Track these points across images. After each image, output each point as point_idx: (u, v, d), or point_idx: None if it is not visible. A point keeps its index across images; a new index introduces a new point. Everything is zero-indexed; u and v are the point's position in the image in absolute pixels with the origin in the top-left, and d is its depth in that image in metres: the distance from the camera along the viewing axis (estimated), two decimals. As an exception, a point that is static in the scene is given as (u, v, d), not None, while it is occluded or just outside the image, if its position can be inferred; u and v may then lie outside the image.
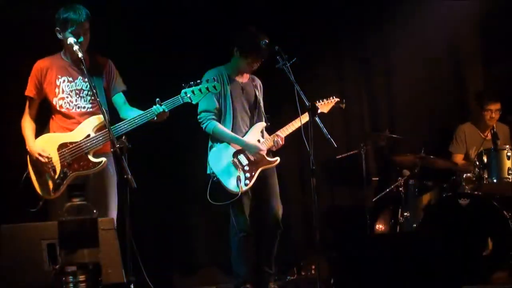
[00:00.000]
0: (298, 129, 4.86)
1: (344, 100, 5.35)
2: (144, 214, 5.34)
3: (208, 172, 4.91)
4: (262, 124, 5.08)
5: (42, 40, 4.72)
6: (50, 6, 4.46)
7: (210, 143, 4.98)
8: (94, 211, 3.52)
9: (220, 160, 4.90)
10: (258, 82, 5.19)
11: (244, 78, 5.10)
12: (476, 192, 5.49)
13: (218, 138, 4.93)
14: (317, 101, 5.15)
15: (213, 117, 4.92)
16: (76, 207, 3.46)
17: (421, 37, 6.45)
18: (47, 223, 3.71)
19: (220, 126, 4.90)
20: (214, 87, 4.36)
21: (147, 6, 5.67)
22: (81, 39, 4.23)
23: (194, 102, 4.33)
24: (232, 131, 4.93)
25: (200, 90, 4.31)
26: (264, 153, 4.94)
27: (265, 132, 5.10)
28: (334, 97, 5.33)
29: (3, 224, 3.63)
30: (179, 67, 5.52)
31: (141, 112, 4.28)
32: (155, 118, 4.26)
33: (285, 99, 4.91)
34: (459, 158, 6.18)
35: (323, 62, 6.36)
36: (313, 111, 4.38)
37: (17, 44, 5.06)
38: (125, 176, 3.80)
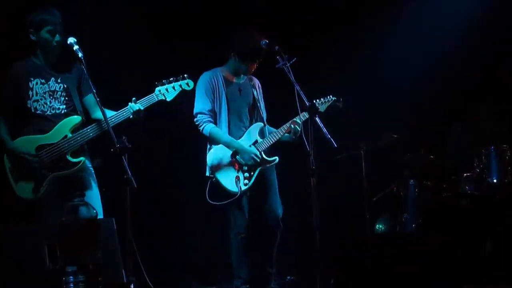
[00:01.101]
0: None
1: (341, 99, 5.35)
2: (144, 214, 5.34)
3: (207, 174, 4.91)
4: (259, 125, 5.07)
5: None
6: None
7: (208, 145, 4.98)
8: (95, 211, 3.52)
9: (218, 161, 4.90)
10: (257, 82, 5.18)
11: (241, 79, 5.10)
12: (476, 192, 5.49)
13: (215, 141, 4.93)
14: (314, 100, 5.15)
15: (209, 119, 4.92)
16: (76, 207, 3.46)
17: (421, 37, 6.45)
18: (47, 223, 3.71)
19: (216, 129, 4.90)
20: (187, 84, 4.48)
21: (143, 6, 5.68)
22: (58, 37, 4.27)
23: (168, 100, 4.43)
24: (228, 132, 4.93)
25: (173, 87, 4.43)
26: (258, 158, 4.92)
27: (266, 132, 5.09)
28: (331, 96, 5.33)
29: (4, 224, 3.63)
30: (175, 68, 5.51)
31: (114, 112, 4.32)
32: (131, 116, 4.31)
33: (284, 99, 4.91)
34: (455, 156, 6.16)
35: (322, 61, 6.36)
36: (313, 111, 4.38)
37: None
38: (125, 176, 3.81)
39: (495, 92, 6.19)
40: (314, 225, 4.25)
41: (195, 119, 4.95)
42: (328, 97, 5.32)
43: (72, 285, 3.31)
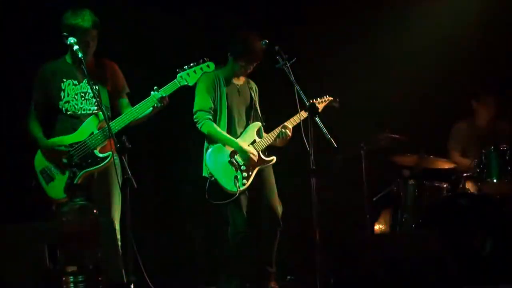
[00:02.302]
0: (298, 127, 4.86)
1: (338, 99, 5.34)
2: (144, 214, 5.34)
3: (204, 174, 4.92)
4: (257, 124, 5.08)
5: (47, 43, 4.73)
6: (57, 8, 4.47)
7: (206, 145, 4.99)
8: (95, 211, 3.52)
9: (216, 161, 4.90)
10: (254, 85, 5.22)
11: (240, 81, 5.12)
12: (476, 192, 5.49)
13: (213, 139, 4.94)
14: (311, 100, 5.14)
15: (209, 116, 4.93)
16: (76, 207, 3.46)
17: (421, 37, 6.45)
18: (47, 223, 3.72)
19: (215, 127, 4.91)
20: (208, 66, 4.49)
21: (146, 6, 5.68)
22: (87, 45, 4.30)
23: (191, 84, 4.45)
24: (227, 132, 4.94)
25: (194, 71, 4.44)
26: (255, 158, 4.93)
27: (262, 132, 5.10)
28: (327, 95, 5.33)
29: (4, 224, 3.63)
30: (174, 68, 5.52)
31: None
32: (157, 104, 4.33)
33: (284, 99, 4.92)
34: (456, 155, 6.17)
35: (322, 61, 6.36)
36: (313, 110, 4.38)
37: (22, 47, 5.06)
38: (125, 176, 3.81)
39: (498, 91, 6.19)
40: (314, 225, 4.25)
41: (194, 116, 4.96)
42: (325, 97, 5.32)
43: (72, 285, 3.31)
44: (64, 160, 4.24)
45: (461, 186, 5.71)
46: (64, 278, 3.32)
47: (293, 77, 4.45)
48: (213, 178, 4.86)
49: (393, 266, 4.50)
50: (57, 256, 3.42)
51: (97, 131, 4.31)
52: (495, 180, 5.50)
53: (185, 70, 4.42)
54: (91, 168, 4.28)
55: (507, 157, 5.46)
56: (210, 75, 4.94)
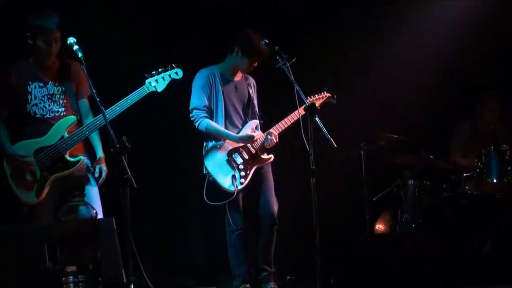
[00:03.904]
0: (298, 127, 4.86)
1: (335, 96, 5.34)
2: (144, 214, 5.33)
3: (203, 172, 4.93)
4: (255, 122, 5.09)
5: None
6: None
7: (204, 143, 5.00)
8: (94, 211, 3.52)
9: (214, 160, 4.92)
10: (252, 80, 5.21)
11: (237, 77, 5.13)
12: (476, 192, 5.49)
13: (212, 136, 4.94)
14: (308, 97, 5.15)
15: (205, 114, 4.94)
16: (76, 207, 3.46)
17: (421, 36, 6.44)
18: (47, 223, 3.71)
19: (213, 123, 4.93)
20: (176, 73, 4.46)
21: (142, 4, 5.68)
22: (52, 48, 4.27)
23: (159, 90, 4.39)
24: (225, 129, 4.95)
25: (163, 78, 4.41)
26: (259, 141, 4.96)
27: (259, 130, 5.10)
28: (325, 92, 5.33)
29: (3, 225, 3.63)
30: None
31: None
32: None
33: (283, 98, 4.93)
34: (458, 156, 6.17)
35: (322, 61, 6.35)
36: (312, 110, 4.38)
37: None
38: (125, 176, 3.81)
39: (499, 92, 6.18)
40: (314, 225, 4.25)
41: (190, 115, 4.98)
42: (323, 93, 5.32)
43: (72, 285, 3.31)
44: (28, 177, 4.21)
45: (461, 186, 5.71)
46: (64, 278, 3.31)
47: (292, 77, 4.46)
48: (211, 178, 4.87)
49: (394, 266, 4.50)
50: (57, 256, 3.42)
51: (67, 135, 4.28)
52: (495, 180, 5.49)
53: (153, 76, 4.38)
54: (62, 173, 4.27)
55: (507, 157, 5.46)
56: (205, 72, 4.97)
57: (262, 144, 5.03)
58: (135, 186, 3.82)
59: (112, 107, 4.26)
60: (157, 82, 4.38)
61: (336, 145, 4.33)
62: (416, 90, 6.51)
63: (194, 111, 4.96)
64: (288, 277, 5.87)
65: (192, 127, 4.98)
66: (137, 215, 4.19)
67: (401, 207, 5.96)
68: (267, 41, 4.74)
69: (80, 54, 4.14)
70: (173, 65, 4.48)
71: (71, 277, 3.31)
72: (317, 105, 5.19)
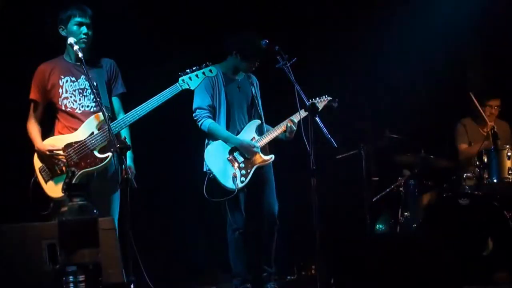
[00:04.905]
0: (298, 128, 4.88)
1: (337, 99, 5.33)
2: (144, 214, 5.34)
3: (204, 169, 4.93)
4: (256, 122, 5.09)
5: (44, 44, 4.75)
6: (54, 9, 4.49)
7: (206, 141, 5.00)
8: (95, 210, 3.52)
9: (216, 158, 4.92)
10: (255, 79, 5.21)
11: (240, 76, 5.13)
12: (476, 192, 5.49)
13: (214, 136, 4.95)
14: (310, 100, 5.14)
15: (208, 114, 4.95)
16: (76, 207, 3.46)
17: (421, 36, 6.45)
18: (47, 223, 3.71)
19: (215, 124, 4.93)
20: (210, 70, 4.46)
21: (145, 5, 5.69)
22: (85, 30, 4.32)
23: (192, 88, 4.42)
24: (227, 129, 4.96)
25: (197, 75, 4.42)
26: (258, 150, 4.95)
27: (264, 128, 5.10)
28: (326, 96, 5.33)
29: (3, 224, 3.63)
30: (175, 66, 5.52)
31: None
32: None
33: (283, 99, 4.93)
34: (464, 147, 6.14)
35: (322, 62, 6.36)
36: (313, 111, 4.38)
37: (20, 48, 5.07)
38: (125, 176, 3.81)
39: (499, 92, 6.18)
40: (314, 225, 4.25)
41: (194, 114, 4.98)
42: (324, 96, 5.32)
43: (72, 285, 3.30)
44: (57, 173, 4.24)
45: (461, 186, 5.71)
46: (64, 278, 3.31)
47: (293, 77, 4.46)
48: (211, 175, 4.87)
49: (394, 266, 4.50)
50: (57, 256, 3.42)
51: (98, 131, 4.30)
52: (495, 180, 5.50)
53: (187, 74, 4.40)
54: (90, 169, 4.28)
55: (507, 157, 5.46)
56: None
57: (281, 132, 5.02)
58: (135, 186, 3.83)
59: (144, 104, 4.30)
60: (190, 80, 4.40)
61: (336, 145, 4.34)
62: (416, 90, 6.52)
63: (197, 110, 4.96)
64: (288, 277, 5.87)
65: (195, 126, 4.98)
66: (137, 215, 4.20)
67: (401, 207, 5.96)
68: (267, 41, 4.74)
69: (80, 55, 4.17)
70: (207, 62, 4.50)
71: (71, 277, 3.31)
72: (319, 108, 5.22)
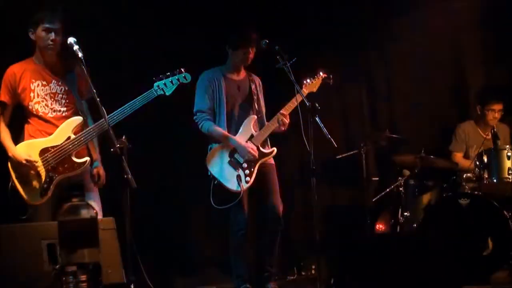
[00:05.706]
0: (298, 128, 4.87)
1: (331, 76, 5.27)
2: (144, 214, 5.33)
3: (209, 175, 4.92)
4: (252, 118, 5.06)
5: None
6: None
7: (208, 146, 5.00)
8: (94, 210, 3.52)
9: (217, 162, 4.91)
10: (257, 79, 5.20)
11: (240, 76, 5.13)
12: (476, 192, 5.49)
13: (214, 138, 4.94)
14: (305, 81, 5.12)
15: (208, 117, 4.96)
16: (76, 207, 3.46)
17: (421, 36, 6.44)
18: (47, 223, 3.71)
19: (214, 126, 4.93)
20: (185, 77, 4.46)
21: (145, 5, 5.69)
22: (53, 36, 4.26)
23: (167, 94, 4.41)
24: (228, 129, 4.96)
25: (171, 81, 4.41)
26: (255, 153, 4.93)
27: (265, 122, 5.09)
28: (321, 73, 5.24)
29: (3, 224, 3.62)
30: (175, 67, 5.52)
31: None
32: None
33: (283, 98, 4.93)
34: (458, 157, 6.17)
35: (322, 61, 6.35)
36: (313, 111, 4.38)
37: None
38: (125, 176, 3.80)
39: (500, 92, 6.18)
40: (314, 225, 4.25)
41: (194, 117, 4.99)
42: (318, 74, 5.24)
43: (72, 285, 3.30)
44: (34, 178, 4.21)
45: (461, 186, 5.71)
46: (64, 278, 3.31)
47: (293, 77, 4.46)
48: (216, 182, 4.86)
49: (394, 266, 4.50)
50: (57, 256, 3.42)
51: (74, 136, 4.29)
52: (495, 180, 5.50)
53: (161, 79, 4.40)
54: (68, 173, 4.26)
55: (507, 157, 5.46)
56: (208, 73, 4.99)
57: (275, 125, 4.99)
58: (135, 186, 3.83)
59: (120, 109, 4.27)
60: (165, 86, 4.39)
61: (336, 145, 4.34)
62: (416, 90, 6.51)
63: (198, 113, 4.97)
64: (288, 277, 5.87)
65: (194, 128, 4.98)
66: (137, 215, 4.20)
67: (401, 207, 5.96)
68: (267, 41, 4.75)
69: (80, 54, 4.14)
70: (181, 69, 4.49)
71: (71, 277, 3.31)
72: (315, 89, 5.18)
